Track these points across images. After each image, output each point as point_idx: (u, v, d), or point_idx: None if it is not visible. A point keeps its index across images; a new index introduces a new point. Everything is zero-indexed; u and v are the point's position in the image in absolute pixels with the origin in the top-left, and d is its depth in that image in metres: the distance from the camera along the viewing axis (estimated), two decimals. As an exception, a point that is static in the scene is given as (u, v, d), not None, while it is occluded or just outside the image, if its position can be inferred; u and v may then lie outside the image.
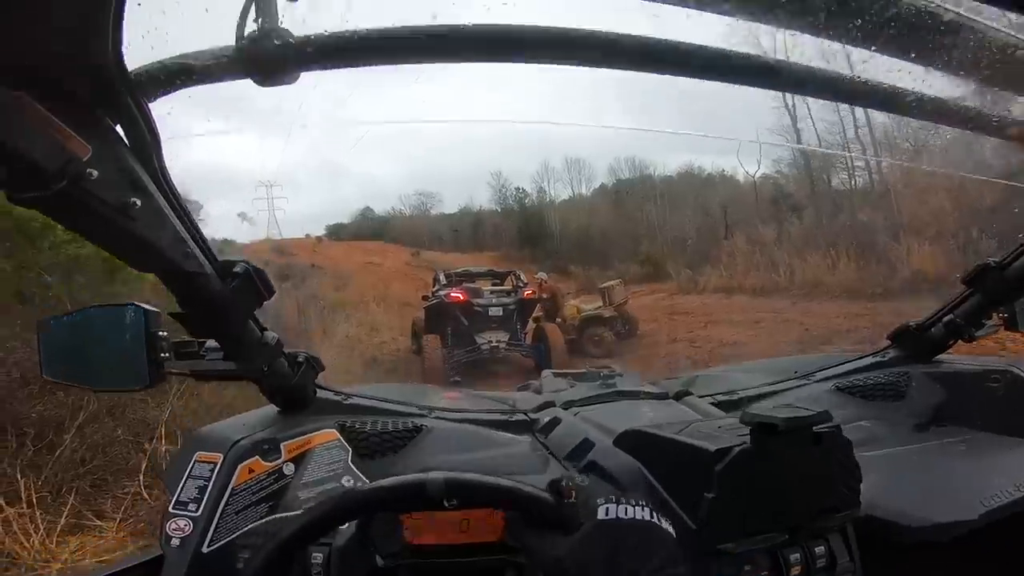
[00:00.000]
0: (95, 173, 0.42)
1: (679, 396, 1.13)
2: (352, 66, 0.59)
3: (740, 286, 11.78)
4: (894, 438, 0.98)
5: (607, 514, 0.55)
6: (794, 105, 14.00)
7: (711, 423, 0.71)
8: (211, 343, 0.77)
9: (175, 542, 0.75)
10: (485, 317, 7.78)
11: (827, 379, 1.20)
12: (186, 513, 0.77)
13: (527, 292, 8.32)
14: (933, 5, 0.51)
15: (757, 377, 1.26)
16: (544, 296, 8.65)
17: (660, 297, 12.66)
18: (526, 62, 0.59)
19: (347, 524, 0.74)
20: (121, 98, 0.46)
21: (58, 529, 2.55)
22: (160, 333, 0.72)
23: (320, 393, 0.97)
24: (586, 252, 17.97)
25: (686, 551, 0.56)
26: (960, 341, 1.09)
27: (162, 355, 0.72)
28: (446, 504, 0.60)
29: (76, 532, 2.65)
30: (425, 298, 8.72)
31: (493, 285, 8.97)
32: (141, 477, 3.04)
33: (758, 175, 16.62)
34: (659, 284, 13.87)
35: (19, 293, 4.27)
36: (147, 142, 0.50)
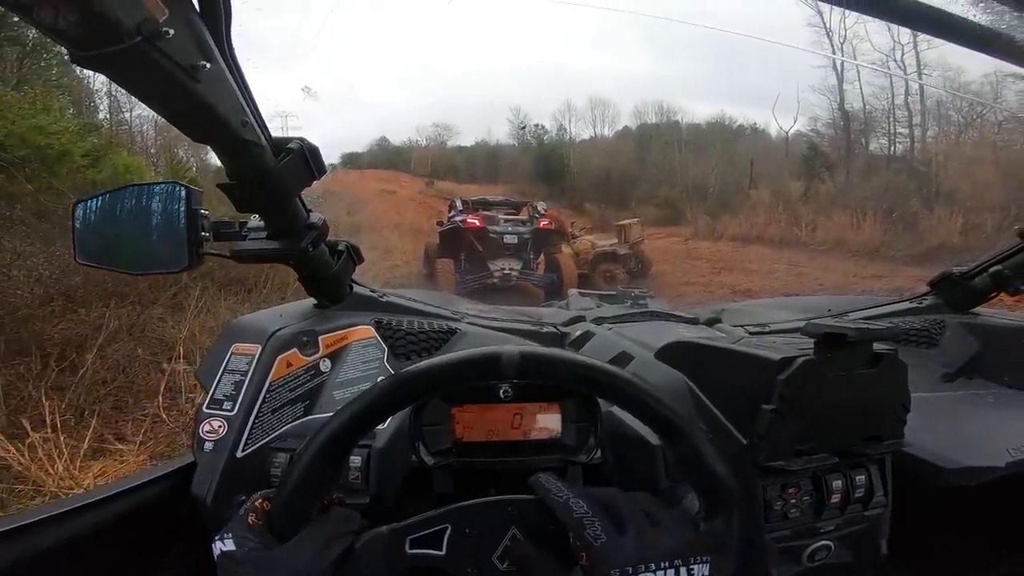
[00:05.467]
0: (170, 32, 0.43)
1: (710, 323, 1.11)
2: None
3: (759, 236, 11.51)
4: (922, 385, 0.97)
5: None
6: (842, 66, 13.26)
7: (764, 338, 0.68)
8: (253, 223, 0.74)
9: (208, 446, 0.71)
10: (499, 245, 7.68)
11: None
12: (221, 412, 0.73)
13: (543, 223, 8.17)
14: None
15: (788, 313, 1.23)
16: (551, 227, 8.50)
17: (676, 241, 12.43)
18: None
19: (389, 422, 0.70)
20: None
21: (81, 453, 2.47)
22: (202, 211, 0.69)
23: (356, 289, 0.94)
24: (604, 191, 17.44)
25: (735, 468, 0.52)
26: (1003, 294, 1.06)
27: (202, 234, 0.69)
28: (515, 382, 0.56)
29: (98, 456, 2.59)
30: (440, 224, 8.68)
31: (509, 214, 8.80)
32: (160, 399, 2.99)
33: (792, 131, 15.85)
34: (676, 228, 13.55)
35: (40, 212, 4.23)
36: (219, 8, 0.50)
